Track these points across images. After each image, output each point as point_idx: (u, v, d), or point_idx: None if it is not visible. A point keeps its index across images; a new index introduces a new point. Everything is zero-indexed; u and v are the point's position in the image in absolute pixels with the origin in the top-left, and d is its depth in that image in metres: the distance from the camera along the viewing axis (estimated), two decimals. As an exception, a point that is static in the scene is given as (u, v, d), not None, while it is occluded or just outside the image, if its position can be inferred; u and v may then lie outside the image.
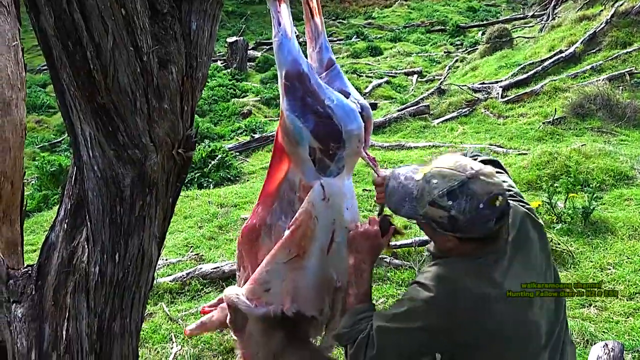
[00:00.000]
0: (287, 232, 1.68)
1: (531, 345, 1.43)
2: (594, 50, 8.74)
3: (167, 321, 3.22)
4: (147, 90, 1.28)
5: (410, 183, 1.45)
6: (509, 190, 1.57)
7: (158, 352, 2.96)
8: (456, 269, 1.43)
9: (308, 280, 1.71)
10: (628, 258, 3.55)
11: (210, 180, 6.42)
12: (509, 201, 1.42)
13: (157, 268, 1.75)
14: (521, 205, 1.55)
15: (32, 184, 6.78)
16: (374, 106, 9.57)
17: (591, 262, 3.55)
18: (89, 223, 1.45)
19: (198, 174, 6.46)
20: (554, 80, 8.00)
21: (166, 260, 4.03)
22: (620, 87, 7.45)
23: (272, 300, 1.72)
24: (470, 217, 1.35)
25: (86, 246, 1.48)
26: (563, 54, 8.85)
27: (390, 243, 1.80)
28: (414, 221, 1.52)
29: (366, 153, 1.70)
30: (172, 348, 2.97)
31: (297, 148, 1.64)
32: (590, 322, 2.91)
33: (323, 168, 1.64)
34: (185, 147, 1.46)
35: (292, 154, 1.68)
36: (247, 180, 6.44)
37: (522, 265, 1.45)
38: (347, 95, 1.72)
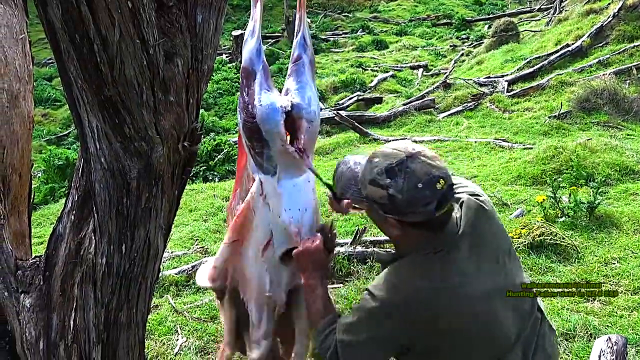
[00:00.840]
0: (234, 218, 1.74)
1: (494, 343, 1.41)
2: (601, 44, 8.69)
3: (173, 313, 3.25)
4: (153, 82, 1.29)
5: (358, 167, 1.45)
6: (465, 187, 1.53)
7: (164, 343, 2.99)
8: (403, 273, 1.40)
9: (245, 269, 1.74)
10: (633, 252, 3.55)
11: (215, 173, 6.45)
12: (453, 189, 1.37)
13: (162, 260, 1.77)
14: (475, 199, 1.49)
15: (39, 177, 6.81)
16: (379, 100, 9.55)
17: (595, 256, 3.54)
18: (95, 214, 1.46)
19: (203, 168, 6.49)
20: (560, 75, 7.97)
21: (172, 253, 4.05)
22: (627, 82, 7.41)
23: (217, 276, 1.78)
24: (408, 197, 1.32)
25: (93, 237, 1.50)
26: (570, 48, 8.80)
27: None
28: (362, 210, 1.50)
29: (298, 150, 1.63)
30: (177, 340, 3.00)
31: (244, 141, 1.71)
32: (594, 316, 2.92)
33: (258, 165, 1.67)
34: (190, 139, 1.47)
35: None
36: (252, 174, 6.46)
37: (479, 261, 1.40)
38: (286, 92, 1.73)
